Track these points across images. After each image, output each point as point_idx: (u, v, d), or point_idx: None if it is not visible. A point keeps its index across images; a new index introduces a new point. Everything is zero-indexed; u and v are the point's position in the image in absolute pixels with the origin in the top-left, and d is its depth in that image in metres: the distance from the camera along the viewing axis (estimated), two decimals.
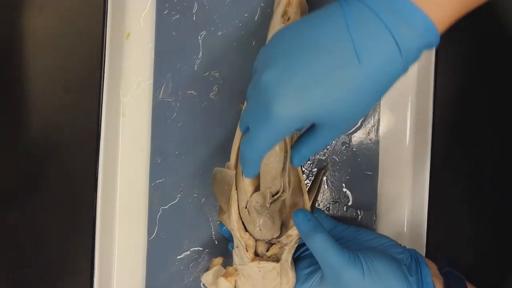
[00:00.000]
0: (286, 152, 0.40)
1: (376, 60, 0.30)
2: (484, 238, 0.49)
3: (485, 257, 0.49)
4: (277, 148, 0.40)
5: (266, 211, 0.40)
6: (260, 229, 0.40)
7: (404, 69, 0.31)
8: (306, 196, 0.41)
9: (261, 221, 0.40)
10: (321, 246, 0.37)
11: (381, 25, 0.30)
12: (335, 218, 0.47)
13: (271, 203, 0.40)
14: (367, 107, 0.32)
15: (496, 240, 0.49)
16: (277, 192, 0.40)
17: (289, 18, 0.41)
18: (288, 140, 0.40)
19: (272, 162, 0.40)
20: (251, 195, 0.40)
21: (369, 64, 0.30)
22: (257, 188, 0.41)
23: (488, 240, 0.49)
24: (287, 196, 0.41)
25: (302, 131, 0.37)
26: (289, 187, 0.41)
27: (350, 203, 0.48)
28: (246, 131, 0.35)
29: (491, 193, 0.49)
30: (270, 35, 0.42)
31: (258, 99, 0.32)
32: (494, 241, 0.49)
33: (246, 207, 0.40)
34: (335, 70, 0.30)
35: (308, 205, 0.40)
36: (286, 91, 0.30)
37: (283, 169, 0.40)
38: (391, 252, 0.39)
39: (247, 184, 0.41)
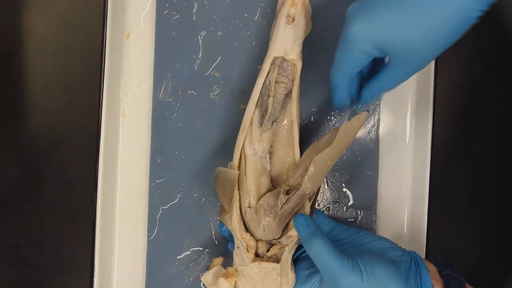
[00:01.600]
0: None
1: None
2: (484, 239, 0.49)
3: (485, 258, 0.49)
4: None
5: (274, 212, 0.40)
6: (264, 230, 0.40)
7: None
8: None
9: (266, 221, 0.40)
10: (320, 252, 0.37)
11: None
12: (335, 218, 0.47)
13: (284, 203, 0.39)
14: (438, 31, 0.32)
15: (497, 241, 0.49)
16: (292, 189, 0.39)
17: (293, 19, 0.41)
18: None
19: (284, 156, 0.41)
20: (264, 195, 0.40)
21: None
22: (260, 189, 0.41)
23: (489, 242, 0.49)
24: (302, 193, 0.39)
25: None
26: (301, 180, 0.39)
27: (350, 203, 0.48)
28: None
29: (491, 194, 0.49)
30: (273, 36, 0.42)
31: (342, 33, 0.36)
32: (494, 242, 0.49)
33: (249, 206, 0.40)
34: None
35: (307, 206, 0.40)
36: (360, 15, 0.35)
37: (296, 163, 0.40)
38: (390, 255, 0.39)
39: (250, 184, 0.41)
